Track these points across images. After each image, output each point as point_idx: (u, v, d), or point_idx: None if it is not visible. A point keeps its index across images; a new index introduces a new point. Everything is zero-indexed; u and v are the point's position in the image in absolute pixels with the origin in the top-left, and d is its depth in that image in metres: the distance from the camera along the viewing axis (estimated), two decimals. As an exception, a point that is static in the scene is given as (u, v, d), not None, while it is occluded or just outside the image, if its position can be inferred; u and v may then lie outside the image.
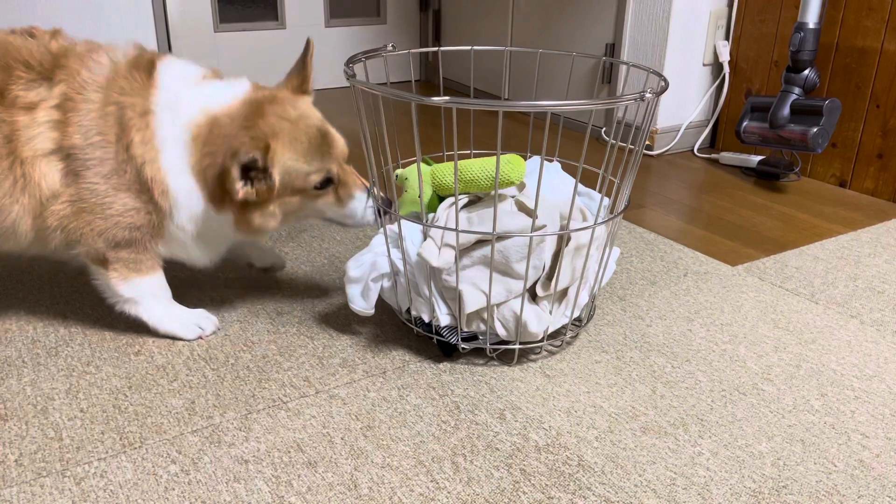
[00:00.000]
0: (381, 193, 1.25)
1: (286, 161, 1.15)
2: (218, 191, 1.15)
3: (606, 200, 1.28)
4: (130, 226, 1.18)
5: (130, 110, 1.13)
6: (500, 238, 1.14)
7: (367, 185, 1.27)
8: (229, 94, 1.17)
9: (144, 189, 1.15)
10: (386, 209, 1.23)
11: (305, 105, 1.21)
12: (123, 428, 1.07)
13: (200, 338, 1.30)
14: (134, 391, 1.15)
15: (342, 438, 1.05)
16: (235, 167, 1.10)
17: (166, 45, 3.00)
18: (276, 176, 1.14)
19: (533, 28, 2.88)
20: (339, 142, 1.23)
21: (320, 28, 3.30)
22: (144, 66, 1.17)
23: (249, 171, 1.13)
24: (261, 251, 1.53)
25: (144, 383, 1.17)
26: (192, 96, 1.15)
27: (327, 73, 3.37)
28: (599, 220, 1.19)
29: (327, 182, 1.21)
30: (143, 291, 1.27)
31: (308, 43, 1.24)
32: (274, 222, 1.21)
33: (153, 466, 0.99)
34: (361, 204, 1.25)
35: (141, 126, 1.13)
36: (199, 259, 1.30)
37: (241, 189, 1.12)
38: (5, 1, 2.72)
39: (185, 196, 1.16)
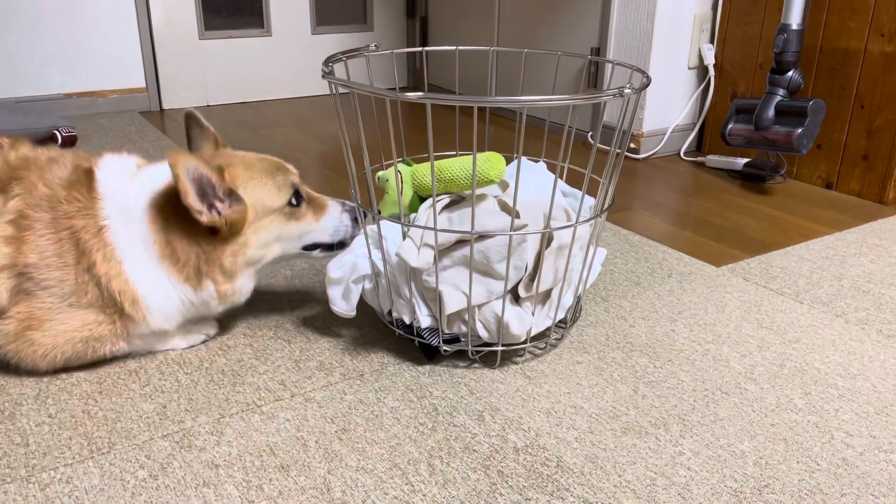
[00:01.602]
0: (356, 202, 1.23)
1: (250, 179, 1.16)
2: (193, 261, 1.13)
3: (590, 200, 1.27)
4: (87, 339, 1.14)
5: (84, 233, 1.10)
6: (480, 238, 1.13)
7: (337, 202, 1.27)
8: (167, 171, 1.16)
9: (110, 304, 1.12)
10: (365, 211, 1.22)
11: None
12: (92, 433, 1.04)
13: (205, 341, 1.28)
14: (104, 396, 1.13)
15: (316, 442, 1.03)
16: (187, 181, 1.06)
17: (151, 54, 2.99)
18: (244, 194, 1.14)
19: (518, 34, 2.88)
20: (290, 165, 1.24)
21: (307, 35, 3.29)
22: (83, 181, 1.14)
23: (211, 201, 1.11)
24: None
25: (115, 388, 1.15)
26: (137, 188, 1.14)
27: (313, 81, 3.36)
28: (581, 220, 1.17)
29: (298, 196, 1.21)
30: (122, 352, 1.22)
31: (187, 115, 1.27)
32: (244, 260, 1.17)
33: (120, 472, 0.97)
34: (336, 213, 1.26)
35: (99, 245, 1.10)
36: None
37: (204, 214, 1.09)
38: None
39: (156, 295, 1.14)
